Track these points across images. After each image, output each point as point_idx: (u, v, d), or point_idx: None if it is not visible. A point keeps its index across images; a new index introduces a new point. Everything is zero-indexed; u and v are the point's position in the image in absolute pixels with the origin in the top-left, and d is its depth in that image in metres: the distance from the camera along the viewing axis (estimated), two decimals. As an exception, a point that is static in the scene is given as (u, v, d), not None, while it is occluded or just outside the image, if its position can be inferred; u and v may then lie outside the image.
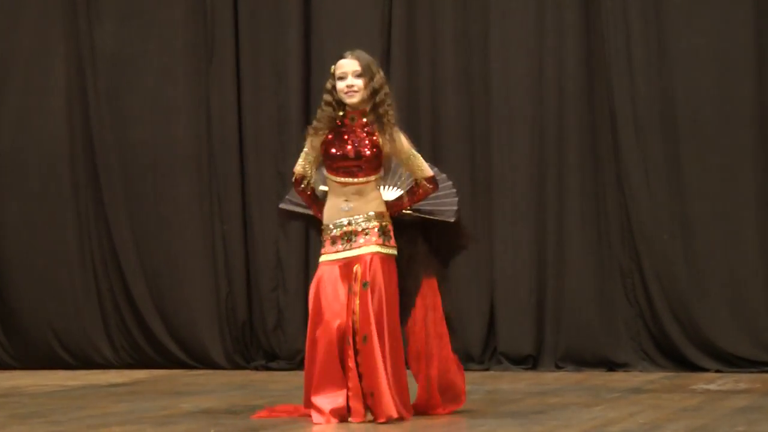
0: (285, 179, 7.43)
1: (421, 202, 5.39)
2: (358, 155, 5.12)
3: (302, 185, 5.33)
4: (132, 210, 8.19)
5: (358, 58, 5.14)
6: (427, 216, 5.43)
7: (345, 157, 5.12)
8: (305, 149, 5.26)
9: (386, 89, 5.16)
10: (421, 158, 5.26)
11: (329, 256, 5.22)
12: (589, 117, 7.66)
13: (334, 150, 5.15)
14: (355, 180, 5.16)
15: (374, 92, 5.11)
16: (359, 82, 5.10)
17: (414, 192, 5.29)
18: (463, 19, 7.81)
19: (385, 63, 7.63)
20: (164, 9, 8.14)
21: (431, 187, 5.28)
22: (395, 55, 7.84)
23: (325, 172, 5.27)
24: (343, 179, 5.16)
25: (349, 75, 5.11)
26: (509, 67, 7.76)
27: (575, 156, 7.68)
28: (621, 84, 7.57)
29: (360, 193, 5.18)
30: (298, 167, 5.31)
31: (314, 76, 7.85)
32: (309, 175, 5.28)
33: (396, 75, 7.72)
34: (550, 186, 7.71)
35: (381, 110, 5.11)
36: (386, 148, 5.15)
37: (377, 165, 5.19)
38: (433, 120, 7.82)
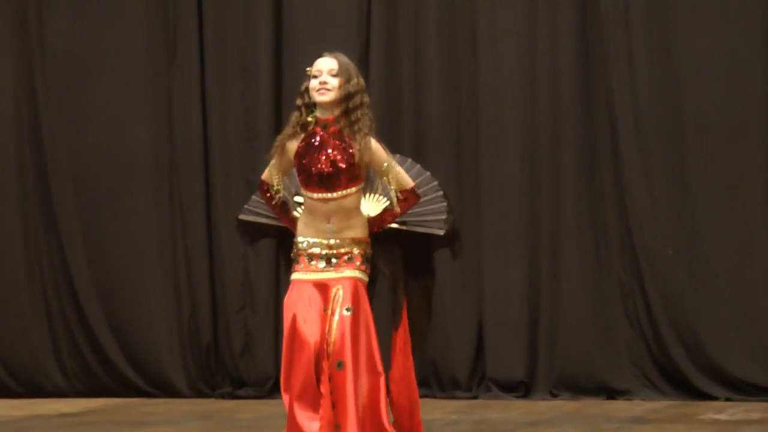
0: (254, 189, 7.01)
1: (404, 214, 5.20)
2: (334, 167, 4.92)
3: (269, 193, 5.13)
4: (86, 222, 8.06)
5: (336, 58, 4.96)
6: (413, 229, 5.20)
7: (319, 171, 4.92)
8: (273, 160, 5.06)
9: (364, 98, 4.97)
10: (400, 168, 5.05)
11: (305, 274, 5.01)
12: (586, 121, 7.54)
13: (305, 161, 4.94)
14: (335, 194, 4.95)
15: (348, 96, 4.91)
16: (334, 81, 4.90)
17: (393, 208, 5.09)
18: (448, 14, 7.69)
19: (364, 61, 7.56)
20: (122, 3, 8.04)
21: (413, 198, 5.07)
22: (374, 53, 7.76)
23: (300, 189, 5.06)
24: (321, 195, 4.95)
25: (324, 72, 4.92)
26: (499, 67, 7.63)
27: (571, 164, 7.54)
28: (621, 85, 7.44)
29: (342, 210, 4.98)
30: (266, 174, 5.12)
31: (286, 76, 7.76)
32: (277, 185, 5.09)
33: (375, 75, 7.67)
34: (543, 196, 7.58)
35: (353, 116, 4.92)
36: (361, 158, 4.94)
37: (356, 175, 4.96)
38: (415, 124, 7.75)
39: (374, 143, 4.95)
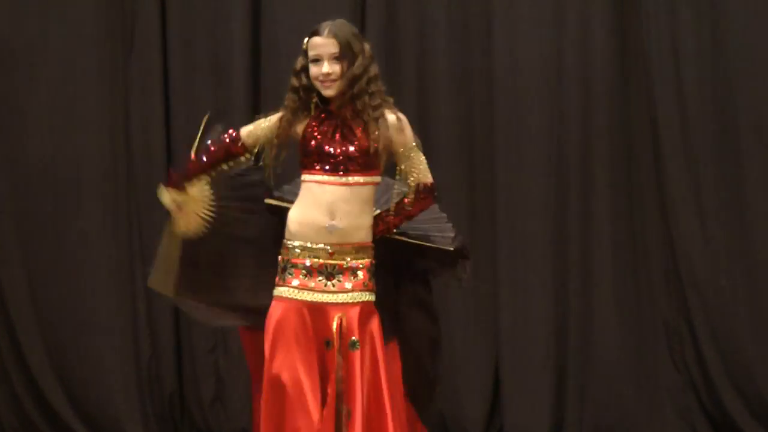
0: None
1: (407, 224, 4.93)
2: (355, 148, 4.70)
3: (236, 144, 4.78)
4: (26, 246, 7.52)
5: (335, 36, 4.72)
6: (418, 242, 4.91)
7: (336, 152, 4.70)
8: (264, 122, 4.81)
9: (372, 71, 4.76)
10: (423, 158, 4.83)
11: (298, 293, 4.71)
12: (623, 128, 7.17)
13: (314, 143, 4.72)
14: (349, 179, 4.70)
15: (353, 80, 4.71)
16: (337, 68, 4.72)
17: (405, 204, 4.82)
18: (459, 2, 7.31)
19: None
20: None
21: (429, 199, 4.84)
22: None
23: (301, 173, 4.82)
24: (330, 177, 4.71)
25: (324, 58, 4.71)
26: (518, 63, 7.27)
27: (605, 178, 7.18)
28: (664, 84, 7.08)
29: (352, 202, 4.72)
30: (245, 134, 4.81)
31: (265, 71, 7.46)
32: (249, 147, 4.78)
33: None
34: (571, 216, 7.20)
35: (359, 103, 4.72)
36: (385, 136, 4.73)
37: (376, 163, 4.73)
38: (420, 129, 7.03)
39: (395, 119, 4.76)
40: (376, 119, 4.73)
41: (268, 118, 4.83)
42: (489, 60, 7.23)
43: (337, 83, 4.74)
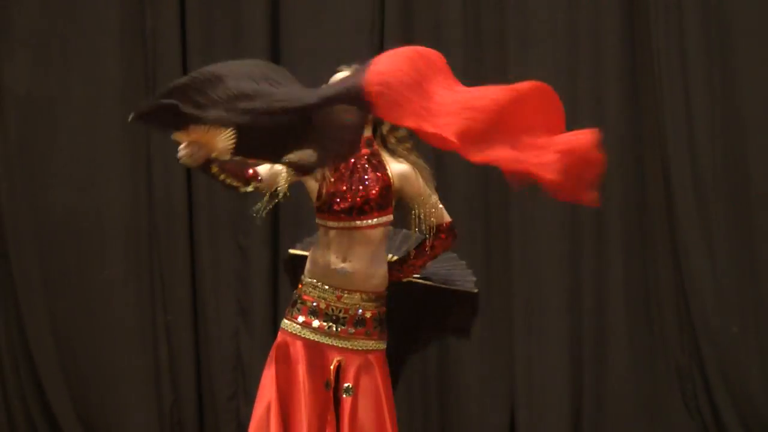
0: (248, 256, 7.20)
1: (428, 266, 4.90)
2: (366, 192, 4.65)
3: (252, 182, 4.70)
4: (50, 295, 7.49)
5: None
6: (441, 285, 4.93)
7: (347, 199, 4.64)
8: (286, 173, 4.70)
9: None
10: (438, 200, 4.79)
11: (301, 330, 4.69)
12: (636, 174, 7.13)
13: (332, 188, 4.67)
14: (359, 223, 4.65)
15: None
16: None
17: (426, 246, 4.75)
18: (473, 43, 7.24)
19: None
20: (93, 39, 7.48)
21: (450, 237, 4.79)
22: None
23: (315, 217, 4.78)
24: (342, 224, 4.66)
25: None
26: None
27: (617, 225, 7.13)
28: (677, 132, 7.04)
29: (364, 245, 4.66)
30: (266, 172, 4.70)
31: None
32: (280, 193, 4.68)
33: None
34: (585, 262, 7.14)
35: (392, 138, 4.71)
36: (397, 181, 4.69)
37: (387, 203, 4.68)
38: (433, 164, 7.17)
39: (409, 168, 4.70)
40: (407, 155, 4.69)
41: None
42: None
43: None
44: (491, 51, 7.15)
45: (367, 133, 4.71)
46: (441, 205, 4.81)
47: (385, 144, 4.74)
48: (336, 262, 4.65)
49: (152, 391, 7.41)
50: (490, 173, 7.17)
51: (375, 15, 7.15)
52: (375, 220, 4.68)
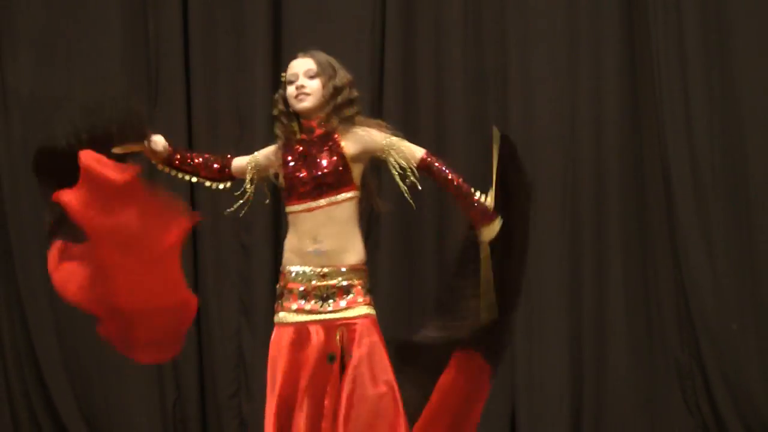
0: (250, 254, 7.18)
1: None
2: (320, 175, 4.65)
3: (223, 169, 4.95)
4: (53, 293, 6.69)
5: (312, 56, 4.73)
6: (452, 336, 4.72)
7: (303, 179, 4.66)
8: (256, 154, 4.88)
9: (354, 93, 4.71)
10: (402, 138, 4.69)
11: (296, 315, 4.68)
12: (636, 177, 7.13)
13: (289, 170, 4.70)
14: (321, 201, 4.65)
15: (336, 91, 4.66)
16: (313, 84, 4.67)
17: (448, 189, 4.63)
18: (473, 43, 7.22)
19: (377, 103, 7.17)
20: (96, 39, 7.48)
21: (438, 163, 4.62)
22: (388, 101, 7.24)
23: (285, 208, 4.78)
24: (305, 205, 4.67)
25: (300, 75, 4.69)
26: (533, 117, 7.21)
27: (618, 226, 7.11)
28: (676, 134, 7.03)
29: (331, 224, 4.66)
30: (240, 163, 4.92)
31: None
32: (248, 186, 4.84)
33: (387, 111, 7.13)
34: (586, 264, 7.12)
35: (348, 111, 4.67)
36: (351, 150, 4.65)
37: (347, 179, 4.66)
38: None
39: (357, 129, 4.67)
40: (343, 133, 4.62)
41: (260, 150, 4.83)
42: (504, 109, 7.16)
43: (313, 96, 4.66)
44: (491, 51, 7.14)
45: (323, 114, 4.68)
46: (408, 143, 4.72)
47: (345, 119, 4.69)
48: (308, 245, 4.65)
49: (155, 389, 7.39)
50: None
51: (376, 15, 7.15)
52: (338, 196, 4.66)
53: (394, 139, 4.62)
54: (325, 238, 4.63)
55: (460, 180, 4.58)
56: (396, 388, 4.55)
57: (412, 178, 4.61)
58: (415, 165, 4.60)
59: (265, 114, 7.06)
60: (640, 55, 7.05)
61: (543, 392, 7.09)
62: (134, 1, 7.39)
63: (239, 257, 7.27)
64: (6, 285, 7.53)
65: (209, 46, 7.40)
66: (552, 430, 7.06)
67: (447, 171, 4.59)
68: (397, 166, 4.62)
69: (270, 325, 6.89)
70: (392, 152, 4.61)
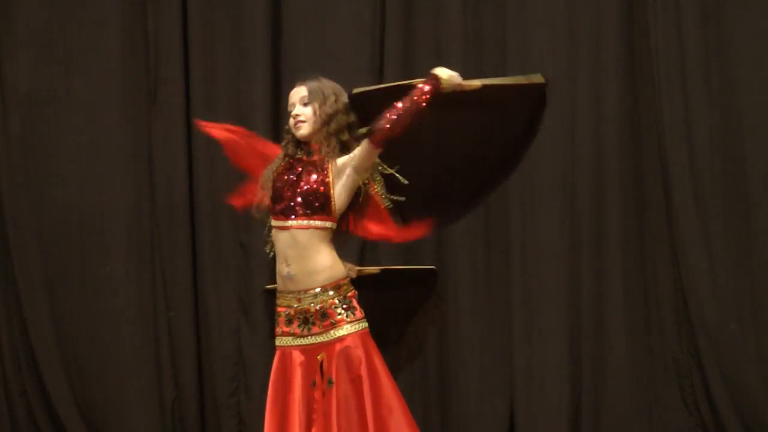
0: (249, 253, 7.19)
1: None
2: (293, 196, 4.69)
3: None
4: (52, 292, 7.52)
5: (305, 84, 4.82)
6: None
7: (280, 194, 4.72)
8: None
9: (350, 118, 4.75)
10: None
11: (282, 339, 4.76)
12: (635, 176, 7.12)
13: (273, 189, 4.77)
14: (289, 222, 4.68)
15: (328, 118, 4.72)
16: (307, 111, 4.77)
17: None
18: (473, 43, 7.20)
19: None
20: (94, 37, 7.49)
21: (381, 121, 4.59)
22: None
23: None
24: (278, 222, 4.73)
25: (296, 104, 4.81)
26: None
27: (617, 226, 7.10)
28: (675, 131, 7.01)
29: (296, 247, 4.68)
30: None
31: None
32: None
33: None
34: (585, 262, 7.10)
35: (344, 136, 4.73)
36: (335, 175, 4.70)
37: (324, 208, 4.69)
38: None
39: (344, 155, 4.70)
40: (332, 159, 4.65)
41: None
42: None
43: (308, 123, 4.73)
44: (491, 51, 7.13)
45: (321, 138, 4.73)
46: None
47: (344, 145, 4.72)
48: (282, 269, 4.69)
49: (154, 388, 7.39)
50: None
51: (375, 15, 7.14)
52: (307, 221, 4.68)
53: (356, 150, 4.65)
54: (292, 261, 4.66)
55: (400, 105, 4.55)
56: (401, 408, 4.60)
57: (385, 167, 4.68)
58: (373, 149, 4.59)
59: (265, 114, 7.31)
60: (639, 54, 7.03)
61: (542, 391, 7.06)
62: (134, 1, 7.39)
63: (238, 256, 7.26)
64: (4, 285, 7.54)
65: (209, 46, 7.40)
66: (551, 429, 7.03)
67: (391, 117, 4.55)
68: (365, 168, 4.64)
69: (268, 324, 6.62)
70: (355, 159, 4.64)
